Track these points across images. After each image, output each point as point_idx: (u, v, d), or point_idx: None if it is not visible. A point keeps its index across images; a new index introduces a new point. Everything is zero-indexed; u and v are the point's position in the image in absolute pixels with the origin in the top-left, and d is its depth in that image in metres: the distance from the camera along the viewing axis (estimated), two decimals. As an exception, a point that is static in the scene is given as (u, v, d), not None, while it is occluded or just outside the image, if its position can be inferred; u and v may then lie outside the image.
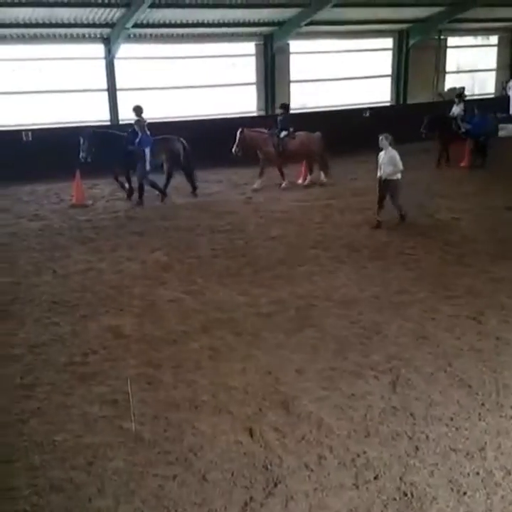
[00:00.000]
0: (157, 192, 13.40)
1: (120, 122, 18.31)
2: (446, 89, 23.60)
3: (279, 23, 19.64)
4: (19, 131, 16.70)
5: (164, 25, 18.07)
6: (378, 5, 19.43)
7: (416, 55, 22.56)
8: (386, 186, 10.42)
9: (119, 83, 18.58)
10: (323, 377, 5.52)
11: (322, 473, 4.23)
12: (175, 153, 13.70)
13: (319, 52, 21.33)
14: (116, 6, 16.47)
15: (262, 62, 20.50)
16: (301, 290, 7.77)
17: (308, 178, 14.96)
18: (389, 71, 22.89)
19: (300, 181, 14.99)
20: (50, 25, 16.74)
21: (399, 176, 10.39)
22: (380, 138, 10.41)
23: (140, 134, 12.89)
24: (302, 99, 21.27)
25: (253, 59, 20.53)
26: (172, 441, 4.59)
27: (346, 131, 16.89)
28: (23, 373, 5.76)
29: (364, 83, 21.97)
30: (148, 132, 13.00)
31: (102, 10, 16.65)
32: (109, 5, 16.43)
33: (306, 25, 19.30)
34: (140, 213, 12.50)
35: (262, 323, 6.76)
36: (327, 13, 18.76)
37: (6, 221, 12.09)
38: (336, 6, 18.34)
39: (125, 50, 18.17)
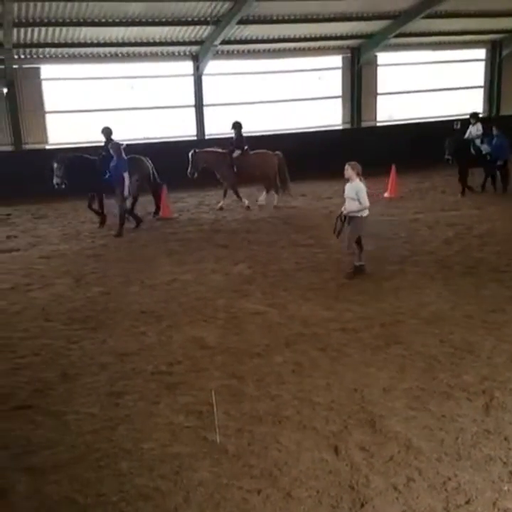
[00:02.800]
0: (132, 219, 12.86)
1: (206, 137, 18.77)
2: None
3: (367, 36, 19.53)
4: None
5: (252, 41, 18.41)
6: (469, 16, 18.94)
7: (510, 66, 21.79)
8: (348, 224, 8.74)
9: (207, 99, 19.03)
10: (412, 396, 5.32)
11: (411, 495, 4.06)
12: (145, 174, 13.36)
13: (407, 64, 21.01)
14: (206, 23, 16.96)
15: (348, 74, 20.45)
16: (388, 306, 7.58)
17: (261, 197, 14.44)
18: (481, 82, 22.24)
19: (386, 194, 14.72)
20: (142, 43, 17.44)
21: (365, 213, 8.72)
22: (346, 167, 8.74)
23: (116, 159, 12.07)
24: (389, 111, 21.02)
25: (339, 72, 20.49)
26: (256, 455, 4.55)
27: (437, 143, 16.42)
28: (112, 381, 5.91)
29: (454, 95, 21.41)
30: (124, 156, 12.23)
31: (191, 28, 17.18)
32: (198, 23, 16.95)
33: (394, 37, 19.09)
34: (225, 226, 12.70)
35: (347, 339, 6.62)
36: (416, 24, 18.48)
37: (98, 233, 12.61)
38: (425, 17, 18.04)
39: (213, 66, 18.62)
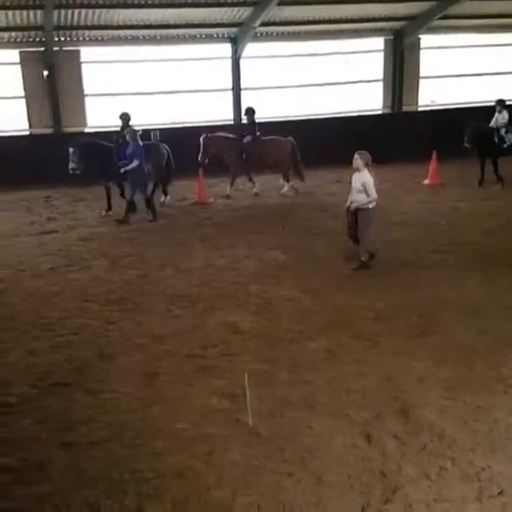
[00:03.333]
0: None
1: (242, 121, 18.71)
2: None
3: (411, 18, 19.09)
4: (148, 131, 17.55)
5: (291, 22, 18.15)
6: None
7: None
8: (356, 217, 8.57)
9: (244, 82, 18.94)
10: (447, 387, 5.28)
11: (443, 484, 4.05)
12: (159, 160, 13.02)
13: (452, 47, 20.48)
14: (245, 5, 16.81)
15: (390, 58, 20.03)
16: (424, 296, 7.49)
17: (286, 187, 14.19)
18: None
19: (426, 182, 14.48)
20: (180, 26, 17.40)
21: (372, 204, 8.46)
22: (355, 156, 8.45)
23: (132, 145, 11.79)
24: (431, 96, 20.60)
25: (381, 55, 20.12)
26: (288, 439, 4.60)
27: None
28: (148, 362, 6.01)
29: (499, 80, 20.79)
30: (140, 143, 11.90)
31: (230, 10, 17.07)
32: (237, 4, 16.81)
33: (439, 19, 18.61)
34: (260, 212, 12.69)
35: (381, 328, 6.59)
36: (463, 6, 17.94)
37: (134, 218, 12.73)
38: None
39: (251, 48, 18.49)
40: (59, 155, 13.37)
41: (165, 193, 13.78)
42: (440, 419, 4.79)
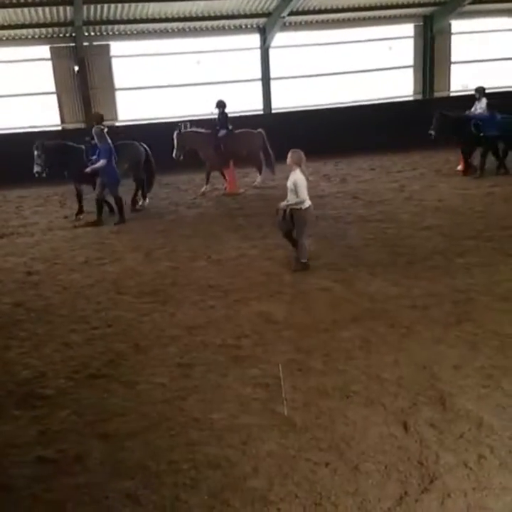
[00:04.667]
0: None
1: (272, 111, 18.67)
2: None
3: (441, 3, 18.75)
4: (176, 123, 17.60)
5: (320, 11, 18.05)
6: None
7: None
8: (291, 218, 8.22)
9: (273, 72, 18.87)
10: (484, 374, 5.18)
11: (482, 473, 3.98)
12: (136, 160, 12.57)
13: (484, 31, 20.04)
14: (273, -6, 16.76)
15: (420, 44, 19.76)
16: (460, 283, 7.35)
17: (258, 179, 13.99)
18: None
19: (459, 168, 14.22)
20: (209, 17, 17.42)
21: (305, 205, 8.06)
22: (289, 154, 8.12)
23: (99, 145, 11.43)
24: (463, 81, 20.21)
25: (411, 41, 19.81)
26: (323, 428, 4.56)
27: None
28: (182, 353, 6.03)
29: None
30: (108, 141, 11.49)
31: (258, 0, 16.99)
32: (266, -5, 16.77)
33: (470, 3, 18.23)
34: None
35: (416, 316, 6.49)
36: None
37: (167, 209, 12.84)
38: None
39: (279, 38, 18.40)
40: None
41: (144, 197, 13.07)
42: (477, 407, 4.69)
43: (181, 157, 13.66)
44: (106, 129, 11.70)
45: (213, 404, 5.00)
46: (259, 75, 18.91)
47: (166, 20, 17.28)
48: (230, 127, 13.95)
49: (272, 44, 18.53)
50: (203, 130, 13.97)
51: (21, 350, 6.31)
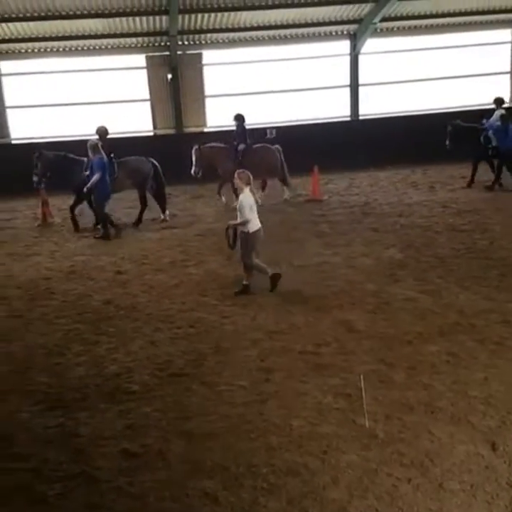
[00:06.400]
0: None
1: (360, 117, 18.48)
2: None
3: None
4: (264, 129, 17.74)
5: (412, 17, 17.73)
6: None
7: None
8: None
9: (362, 78, 18.69)
10: None
11: None
12: (141, 176, 12.21)
13: None
14: (366, 1, 16.62)
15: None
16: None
17: (262, 193, 13.33)
18: None
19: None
20: (300, 25, 17.46)
21: (249, 228, 7.87)
22: (236, 175, 8.14)
23: (93, 158, 11.22)
24: None
25: (508, 47, 19.05)
26: (407, 443, 4.43)
27: None
28: (262, 357, 6.05)
29: None
30: (103, 155, 11.26)
31: (350, 6, 16.95)
32: (358, 1, 16.64)
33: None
34: (376, 209, 12.44)
35: (509, 332, 6.20)
36: None
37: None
38: None
39: (369, 44, 18.22)
40: (180, 154, 13.87)
41: (162, 211, 12.69)
42: None
43: (200, 173, 13.53)
44: (100, 143, 11.55)
45: (293, 410, 4.98)
46: (346, 81, 18.75)
47: (258, 28, 17.45)
48: (248, 141, 13.63)
49: (362, 50, 18.36)
50: (221, 145, 13.69)
51: (109, 346, 6.54)
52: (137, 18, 16.42)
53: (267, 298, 7.76)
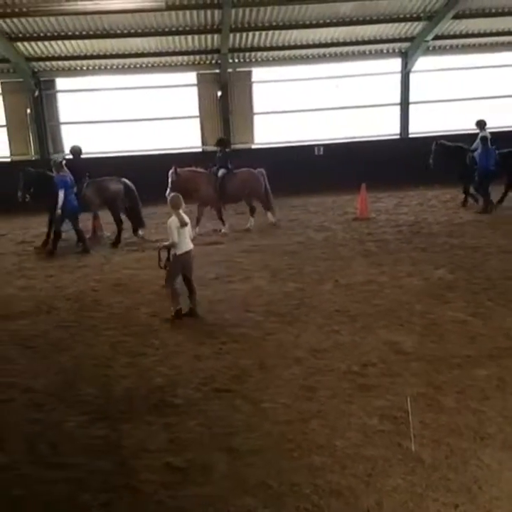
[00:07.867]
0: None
1: (410, 135, 18.32)
2: None
3: None
4: (312, 146, 17.78)
5: (466, 35, 17.54)
6: None
7: None
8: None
9: (412, 96, 18.58)
10: None
11: None
12: (111, 196, 12.46)
13: None
14: (418, 19, 16.55)
15: None
16: None
17: (270, 216, 13.16)
18: None
19: None
20: (351, 43, 17.50)
21: (178, 250, 7.81)
22: (168, 199, 8.09)
23: (56, 176, 11.66)
24: None
25: None
26: (454, 469, 4.31)
27: None
28: (306, 375, 5.99)
29: None
30: (67, 173, 11.66)
31: (402, 25, 16.91)
32: (410, 19, 16.61)
33: None
34: (425, 228, 12.27)
35: None
36: None
37: (295, 230, 12.93)
38: None
39: (421, 62, 18.12)
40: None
41: (134, 231, 12.95)
42: None
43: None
44: (64, 161, 12.01)
45: (337, 431, 4.91)
46: (397, 99, 18.65)
47: (308, 46, 17.57)
48: (230, 166, 13.35)
49: (413, 68, 18.25)
50: (200, 170, 13.34)
51: (155, 358, 6.61)
52: (189, 37, 16.76)
53: (311, 316, 7.71)
